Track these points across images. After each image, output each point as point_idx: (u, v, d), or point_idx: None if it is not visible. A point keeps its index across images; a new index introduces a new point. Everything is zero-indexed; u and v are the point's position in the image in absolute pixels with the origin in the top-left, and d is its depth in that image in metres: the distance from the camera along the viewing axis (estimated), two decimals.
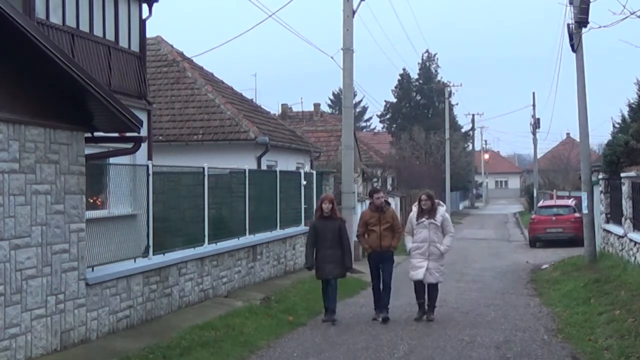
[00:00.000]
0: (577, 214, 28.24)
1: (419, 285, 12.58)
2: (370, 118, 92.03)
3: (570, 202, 32.66)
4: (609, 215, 20.12)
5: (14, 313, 8.73)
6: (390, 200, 15.40)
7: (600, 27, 18.65)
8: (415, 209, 12.79)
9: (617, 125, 35.37)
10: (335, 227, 12.48)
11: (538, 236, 30.48)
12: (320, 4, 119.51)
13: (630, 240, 16.74)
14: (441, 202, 13.04)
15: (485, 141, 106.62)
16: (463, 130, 72.50)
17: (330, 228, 12.43)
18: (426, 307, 12.60)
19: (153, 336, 10.59)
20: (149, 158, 15.35)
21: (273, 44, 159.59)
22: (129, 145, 11.06)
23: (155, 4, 17.87)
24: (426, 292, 12.58)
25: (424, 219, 12.50)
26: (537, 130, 56.81)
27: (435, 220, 12.49)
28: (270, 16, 19.81)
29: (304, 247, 14.62)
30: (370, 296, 13.19)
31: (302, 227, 19.34)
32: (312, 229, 12.78)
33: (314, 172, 22.62)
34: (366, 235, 12.86)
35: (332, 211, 12.49)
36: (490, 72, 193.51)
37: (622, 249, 17.73)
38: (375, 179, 43.13)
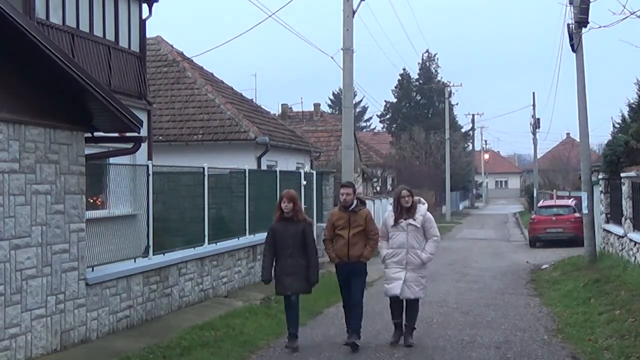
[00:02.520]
0: (577, 214, 28.23)
1: (395, 301, 10.45)
2: (370, 118, 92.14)
3: (570, 202, 32.64)
4: (609, 215, 20.12)
5: (14, 313, 8.73)
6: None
7: (600, 27, 18.67)
8: (390, 207, 10.68)
9: (617, 125, 35.38)
10: (298, 231, 10.21)
11: (538, 236, 30.47)
12: (320, 4, 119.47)
13: (630, 240, 16.73)
14: (422, 200, 10.65)
15: (485, 141, 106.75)
16: (463, 130, 72.55)
17: (292, 232, 10.20)
18: (403, 328, 10.45)
19: (153, 336, 10.59)
20: (149, 158, 15.36)
21: (273, 44, 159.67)
22: (129, 145, 11.07)
23: (155, 4, 17.88)
24: (404, 311, 10.50)
25: (401, 220, 10.31)
26: (537, 130, 56.85)
27: (415, 221, 10.25)
28: (270, 16, 19.85)
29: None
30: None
31: None
32: (270, 234, 10.46)
33: (314, 172, 22.65)
34: (334, 241, 10.56)
35: (294, 211, 10.27)
36: (490, 72, 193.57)
37: (622, 249, 17.73)
38: (375, 179, 43.18)
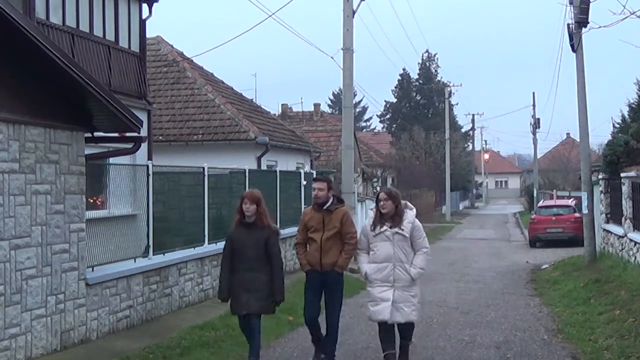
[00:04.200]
0: (577, 214, 28.24)
1: (384, 329, 8.73)
2: (370, 118, 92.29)
3: (571, 202, 32.66)
4: (609, 215, 20.12)
5: (14, 313, 8.72)
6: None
7: (600, 27, 18.68)
8: (371, 213, 8.99)
9: (617, 125, 35.33)
10: (261, 240, 8.51)
11: (538, 236, 30.49)
12: (320, 4, 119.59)
13: (630, 240, 16.74)
14: (409, 204, 8.94)
15: (485, 141, 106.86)
16: (463, 130, 72.63)
17: (253, 241, 8.52)
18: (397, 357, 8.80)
19: (153, 336, 10.59)
20: (149, 158, 15.35)
21: (273, 44, 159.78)
22: (129, 145, 11.07)
23: (155, 4, 17.87)
24: (396, 338, 8.86)
25: (385, 228, 8.63)
26: (537, 130, 56.90)
27: (402, 230, 8.59)
28: (270, 16, 19.84)
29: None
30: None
31: None
32: (228, 242, 8.81)
33: (314, 172, 22.63)
34: (308, 246, 9.19)
35: (257, 215, 8.58)
36: (490, 72, 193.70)
37: (622, 249, 17.73)
38: (375, 179, 43.18)
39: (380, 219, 8.68)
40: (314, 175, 9.36)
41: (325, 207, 9.01)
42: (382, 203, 8.67)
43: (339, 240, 8.92)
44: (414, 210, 8.87)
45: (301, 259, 9.17)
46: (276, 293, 8.62)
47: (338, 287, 9.08)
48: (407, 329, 8.82)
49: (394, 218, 8.63)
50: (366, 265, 8.76)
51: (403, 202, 8.85)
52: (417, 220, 8.78)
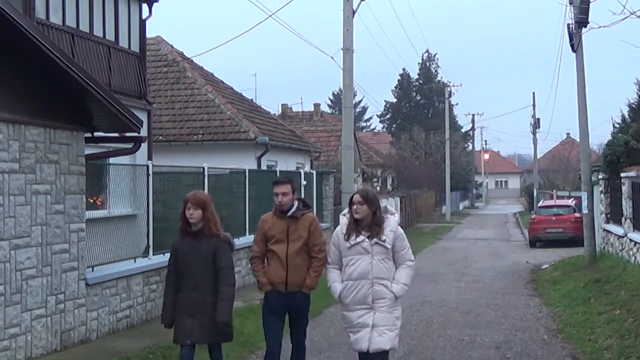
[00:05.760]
0: (577, 214, 28.23)
1: (364, 357, 7.17)
2: (370, 118, 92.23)
3: (571, 202, 32.64)
4: (609, 215, 20.12)
5: (14, 313, 8.73)
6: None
7: (600, 27, 18.69)
8: (344, 220, 7.22)
9: (617, 125, 35.34)
10: (208, 252, 7.06)
11: (538, 236, 30.47)
12: (320, 4, 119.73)
13: (630, 240, 16.74)
14: (390, 208, 7.34)
15: (485, 141, 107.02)
16: (463, 130, 72.62)
17: (199, 254, 7.07)
18: None
19: (153, 336, 10.57)
20: (149, 158, 15.36)
21: (273, 44, 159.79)
22: (129, 145, 11.08)
23: (155, 4, 17.88)
24: None
25: (362, 239, 7.01)
26: (537, 130, 56.86)
27: (382, 241, 7.01)
28: (270, 16, 19.84)
29: None
30: None
31: None
32: (172, 255, 7.35)
33: (314, 172, 22.64)
34: (266, 261, 7.51)
35: (204, 222, 7.12)
36: (490, 72, 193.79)
37: (622, 249, 17.73)
38: (375, 179, 43.17)
39: (355, 226, 7.06)
40: (275, 179, 7.93)
41: (289, 214, 7.42)
42: (355, 207, 7.04)
43: (306, 254, 7.38)
44: (397, 215, 7.35)
45: (259, 276, 7.46)
46: (219, 312, 6.95)
47: (303, 307, 7.57)
48: (380, 356, 7.07)
49: (372, 226, 7.03)
50: (338, 285, 7.12)
51: (383, 205, 7.22)
52: (399, 227, 7.25)
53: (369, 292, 7.00)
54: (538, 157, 62.30)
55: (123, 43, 16.79)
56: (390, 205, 7.69)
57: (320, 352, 10.11)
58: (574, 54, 20.00)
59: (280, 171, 19.31)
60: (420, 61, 71.51)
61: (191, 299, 7.03)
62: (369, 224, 7.03)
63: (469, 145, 76.10)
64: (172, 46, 26.25)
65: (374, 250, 7.01)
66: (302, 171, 21.75)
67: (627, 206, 17.25)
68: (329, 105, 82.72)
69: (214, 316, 6.95)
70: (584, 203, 20.11)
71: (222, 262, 7.07)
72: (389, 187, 48.13)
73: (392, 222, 7.14)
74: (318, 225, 7.59)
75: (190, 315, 7.02)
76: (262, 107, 30.26)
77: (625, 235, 17.23)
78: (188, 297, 7.05)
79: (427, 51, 71.75)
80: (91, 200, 11.50)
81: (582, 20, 19.32)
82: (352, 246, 7.04)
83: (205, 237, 7.08)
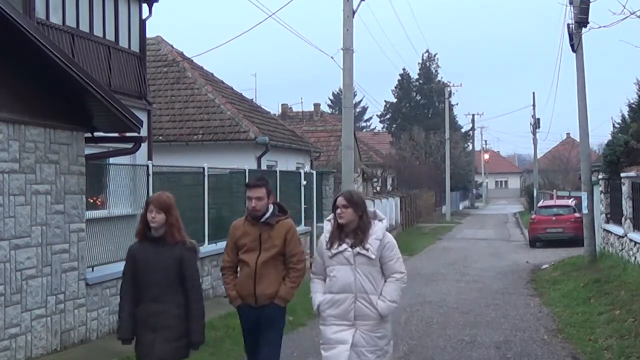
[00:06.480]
0: (577, 214, 28.24)
1: None
2: (370, 118, 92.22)
3: (571, 202, 32.66)
4: (609, 215, 20.12)
5: (14, 313, 8.73)
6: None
7: (600, 27, 18.70)
8: (328, 226, 6.50)
9: (617, 125, 35.31)
10: (171, 261, 6.25)
11: (538, 236, 30.48)
12: (320, 4, 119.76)
13: (630, 240, 16.74)
14: (379, 214, 6.54)
15: (485, 141, 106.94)
16: (463, 130, 72.64)
17: (161, 262, 6.25)
18: None
19: None
20: (149, 158, 15.36)
21: (273, 44, 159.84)
22: (129, 145, 11.07)
23: (155, 4, 17.88)
24: None
25: (344, 247, 6.27)
26: (537, 130, 56.88)
27: (366, 250, 6.23)
28: (270, 16, 19.82)
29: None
30: None
31: (302, 227, 19.35)
32: (128, 262, 6.44)
33: (314, 172, 22.64)
34: (239, 271, 6.84)
35: (167, 227, 6.33)
36: (490, 72, 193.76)
37: (622, 249, 17.73)
38: (375, 179, 43.18)
39: (339, 233, 6.32)
40: (247, 182, 7.40)
41: (263, 220, 6.70)
42: (339, 211, 6.30)
43: (280, 264, 6.65)
44: (385, 221, 6.54)
45: (229, 289, 6.81)
46: (192, 332, 6.29)
47: (277, 326, 6.73)
48: None
49: (356, 233, 6.27)
50: (320, 296, 6.38)
51: (371, 210, 6.49)
52: (389, 235, 6.43)
53: (351, 307, 6.22)
54: (538, 157, 62.29)
55: (123, 43, 16.79)
56: (381, 211, 7.04)
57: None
58: (574, 54, 20.02)
59: (280, 171, 19.28)
60: (420, 61, 71.65)
61: (152, 312, 6.22)
62: (354, 230, 6.29)
63: (469, 145, 76.11)
64: (172, 46, 26.25)
65: (357, 261, 6.22)
66: (302, 171, 21.75)
67: (627, 206, 17.25)
68: (329, 105, 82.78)
69: (178, 330, 6.23)
70: (584, 203, 20.11)
71: (190, 273, 6.32)
72: (389, 187, 48.15)
73: (379, 229, 6.33)
74: (296, 232, 6.82)
75: (152, 329, 6.20)
76: (262, 107, 30.28)
77: (625, 235, 17.24)
78: (148, 309, 6.23)
79: (427, 51, 71.94)
80: (91, 200, 11.49)
81: (582, 20, 19.33)
82: (333, 255, 6.30)
83: (167, 244, 6.28)
